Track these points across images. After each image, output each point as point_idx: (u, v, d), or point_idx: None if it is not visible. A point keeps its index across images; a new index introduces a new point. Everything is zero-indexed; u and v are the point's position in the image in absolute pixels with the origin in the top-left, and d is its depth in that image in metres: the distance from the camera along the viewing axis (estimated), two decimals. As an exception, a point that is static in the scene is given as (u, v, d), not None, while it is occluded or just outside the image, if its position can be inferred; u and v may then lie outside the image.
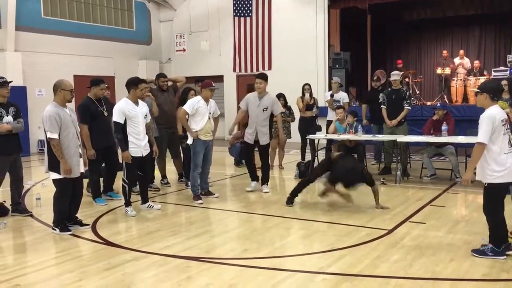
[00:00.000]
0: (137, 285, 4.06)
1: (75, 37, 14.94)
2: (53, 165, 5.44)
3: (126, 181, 6.35)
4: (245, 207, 6.89)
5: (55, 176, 5.49)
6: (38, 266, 4.53)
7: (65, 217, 5.67)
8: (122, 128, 6.20)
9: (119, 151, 6.60)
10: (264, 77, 7.54)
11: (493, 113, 4.38)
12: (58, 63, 14.38)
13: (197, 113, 6.91)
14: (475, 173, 4.61)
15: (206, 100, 6.98)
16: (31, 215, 6.44)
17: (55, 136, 5.33)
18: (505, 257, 4.47)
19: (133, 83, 6.35)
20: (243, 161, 10.23)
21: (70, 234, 5.53)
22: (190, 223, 6.10)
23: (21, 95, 12.61)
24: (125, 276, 4.26)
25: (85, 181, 6.76)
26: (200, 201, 6.99)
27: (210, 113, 7.01)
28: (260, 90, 7.47)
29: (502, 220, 4.53)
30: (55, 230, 5.60)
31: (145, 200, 6.71)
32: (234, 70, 16.28)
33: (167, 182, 8.41)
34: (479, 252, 4.56)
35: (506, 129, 4.44)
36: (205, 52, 16.93)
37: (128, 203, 6.43)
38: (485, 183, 4.49)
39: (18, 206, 6.49)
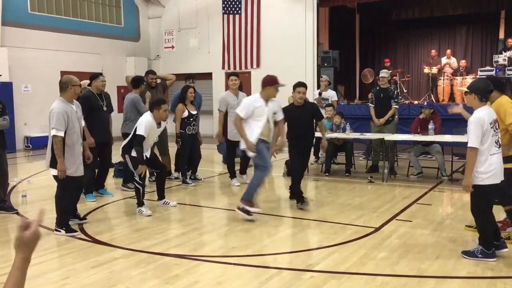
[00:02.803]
0: (125, 283, 4.05)
1: (62, 32, 14.80)
2: (55, 162, 5.30)
3: (140, 181, 6.26)
4: (233, 204, 6.87)
5: (56, 172, 5.35)
6: (24, 264, 4.48)
7: (69, 217, 5.57)
8: (143, 142, 6.14)
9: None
10: (238, 75, 7.98)
11: (481, 116, 4.29)
12: (45, 59, 14.24)
13: (254, 114, 6.00)
14: (462, 172, 4.62)
15: (267, 100, 6.08)
16: (17, 213, 6.37)
17: (61, 134, 5.20)
18: (495, 259, 4.44)
19: (155, 104, 6.30)
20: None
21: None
22: (178, 220, 6.09)
23: (7, 91, 12.48)
24: (112, 274, 4.24)
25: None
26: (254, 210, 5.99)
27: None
28: (236, 86, 7.86)
29: (490, 222, 4.50)
30: (59, 231, 5.42)
31: (161, 196, 6.75)
32: (223, 67, 16.25)
33: (154, 180, 8.36)
34: (469, 254, 4.54)
35: (495, 130, 4.38)
36: (194, 49, 16.88)
37: (141, 203, 6.32)
38: (472, 185, 4.42)
39: (4, 204, 6.42)
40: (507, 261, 4.48)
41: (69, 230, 5.44)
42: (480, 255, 4.46)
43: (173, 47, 17.46)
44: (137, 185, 6.31)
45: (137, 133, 6.15)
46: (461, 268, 4.30)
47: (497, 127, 4.43)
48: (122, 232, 5.58)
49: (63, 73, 14.21)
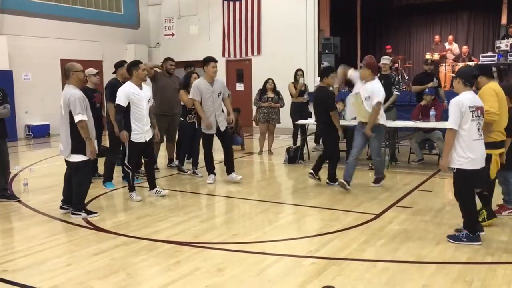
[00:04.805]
0: (126, 270, 4.07)
1: (62, 20, 14.71)
2: (78, 148, 5.42)
3: (129, 166, 6.32)
4: (234, 192, 6.91)
5: (81, 158, 5.45)
6: (26, 252, 4.52)
7: (85, 200, 5.74)
8: (123, 112, 6.15)
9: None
10: (216, 61, 7.23)
11: (461, 99, 4.42)
12: (45, 47, 14.18)
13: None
14: None
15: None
16: (19, 201, 6.40)
17: (86, 117, 5.35)
18: (479, 243, 4.50)
19: (133, 65, 6.30)
20: (231, 146, 10.25)
21: (59, 220, 5.52)
22: (179, 208, 6.10)
23: (7, 79, 12.46)
24: (114, 261, 4.27)
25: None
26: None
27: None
28: (215, 73, 7.15)
29: (473, 206, 4.59)
30: (78, 214, 5.56)
31: (152, 185, 6.66)
32: (223, 55, 16.16)
33: (156, 167, 8.37)
34: (454, 238, 4.61)
35: (476, 116, 4.44)
36: (194, 37, 16.79)
37: (132, 188, 6.41)
38: (454, 169, 4.54)
39: (5, 192, 6.44)
40: (507, 247, 4.50)
41: (89, 212, 5.63)
42: (465, 239, 4.54)
43: (173, 34, 17.37)
44: (126, 169, 6.35)
45: (115, 103, 6.21)
46: (461, 254, 4.32)
47: (479, 114, 4.47)
48: (124, 219, 5.60)
49: (63, 61, 14.17)
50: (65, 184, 5.79)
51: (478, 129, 4.46)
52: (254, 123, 10.55)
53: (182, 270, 4.04)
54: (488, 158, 4.71)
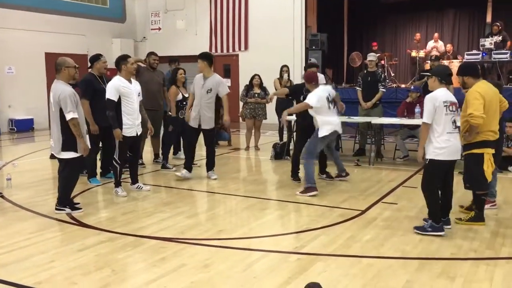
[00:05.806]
0: (111, 266, 4.04)
1: (45, 13, 14.51)
2: (69, 145, 5.34)
3: (118, 161, 6.30)
4: (220, 188, 6.90)
5: (72, 155, 5.38)
6: (9, 248, 4.47)
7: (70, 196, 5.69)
8: (115, 106, 6.11)
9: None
10: (203, 57, 7.06)
11: (435, 95, 4.65)
12: (29, 40, 13.98)
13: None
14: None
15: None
16: (2, 196, 6.32)
17: (76, 115, 5.27)
18: (443, 232, 4.68)
19: (122, 59, 6.25)
20: (218, 142, 10.27)
21: (43, 215, 5.46)
22: (165, 204, 6.08)
23: (-10, 73, 12.28)
24: (99, 257, 4.24)
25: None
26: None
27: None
28: (201, 70, 7.05)
29: (437, 197, 4.81)
30: (63, 210, 5.50)
31: (134, 180, 6.65)
32: (210, 50, 16.08)
33: (142, 163, 8.34)
34: (420, 229, 4.79)
35: (451, 110, 4.64)
36: (181, 31, 16.69)
37: (118, 184, 6.38)
38: (427, 159, 4.73)
39: (-12, 187, 6.36)
40: (489, 242, 4.56)
41: (73, 208, 5.57)
42: (430, 229, 4.72)
43: (159, 28, 17.25)
44: (115, 163, 6.32)
45: (106, 98, 6.15)
46: (445, 249, 4.37)
47: (453, 109, 4.67)
48: (109, 215, 5.57)
49: (47, 54, 14.00)
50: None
51: (453, 123, 4.67)
52: (240, 118, 10.53)
53: (168, 266, 4.02)
54: (481, 158, 4.84)
